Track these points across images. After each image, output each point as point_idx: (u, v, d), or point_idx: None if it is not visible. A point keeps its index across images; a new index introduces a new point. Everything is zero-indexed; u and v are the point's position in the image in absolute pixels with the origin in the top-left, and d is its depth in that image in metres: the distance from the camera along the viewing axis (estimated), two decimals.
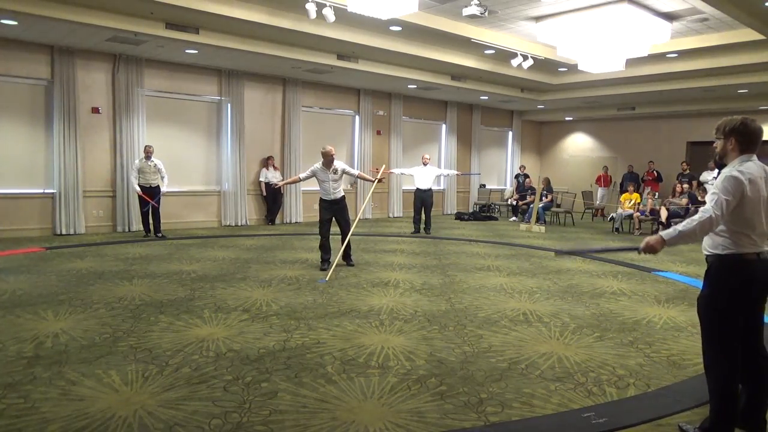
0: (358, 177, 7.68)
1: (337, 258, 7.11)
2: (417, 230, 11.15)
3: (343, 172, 7.16)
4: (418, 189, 11.02)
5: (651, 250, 2.70)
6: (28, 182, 9.27)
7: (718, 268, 2.71)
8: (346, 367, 3.71)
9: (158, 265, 7.09)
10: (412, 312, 5.14)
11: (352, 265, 7.31)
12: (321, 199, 7.23)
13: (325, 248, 7.16)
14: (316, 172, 7.16)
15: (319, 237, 7.21)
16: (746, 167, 2.68)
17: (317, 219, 7.45)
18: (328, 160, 7.04)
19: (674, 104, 14.32)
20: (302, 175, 7.44)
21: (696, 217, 2.62)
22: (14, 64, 9.13)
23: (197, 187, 11.32)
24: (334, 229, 7.30)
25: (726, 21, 8.34)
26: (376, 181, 7.57)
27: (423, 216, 11.11)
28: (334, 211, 7.17)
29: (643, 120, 16.21)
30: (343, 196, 7.28)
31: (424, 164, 11.14)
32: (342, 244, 7.17)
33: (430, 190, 10.99)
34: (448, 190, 15.83)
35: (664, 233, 2.66)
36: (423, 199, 11.00)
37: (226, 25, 8.52)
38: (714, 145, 2.86)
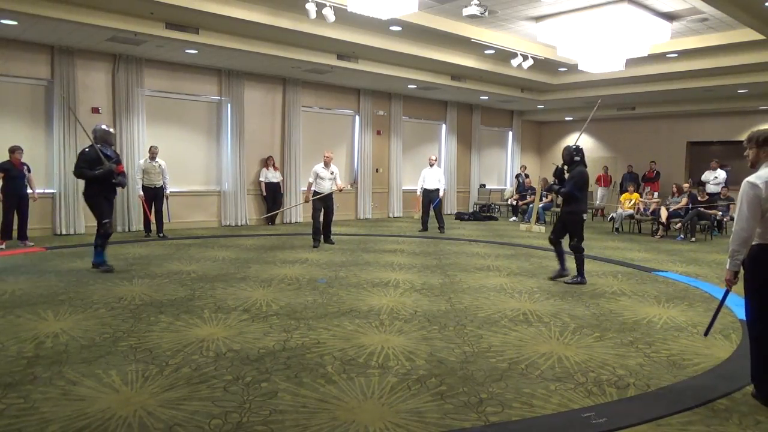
0: (337, 185, 9.11)
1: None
2: (425, 228, 11.34)
3: (334, 174, 9.02)
4: (425, 189, 11.23)
5: (731, 282, 3.30)
6: None
7: (751, 256, 3.19)
8: (346, 367, 3.71)
9: (158, 265, 7.09)
10: (412, 312, 5.14)
11: (333, 243, 9.15)
12: (315, 193, 8.90)
13: (317, 231, 8.99)
14: (318, 172, 8.90)
15: (313, 222, 8.95)
16: (765, 172, 3.15)
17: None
18: (327, 162, 8.97)
19: (674, 104, 14.33)
20: (311, 180, 9.01)
21: (734, 236, 3.16)
22: (14, 64, 9.13)
23: (197, 187, 11.32)
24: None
25: (726, 21, 8.34)
26: (338, 189, 9.14)
27: (433, 214, 11.29)
28: (326, 202, 8.92)
29: (643, 120, 16.22)
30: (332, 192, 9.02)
31: (431, 165, 11.31)
32: (324, 227, 9.10)
33: (437, 190, 11.15)
34: (449, 190, 15.82)
35: (728, 266, 3.24)
36: (431, 199, 11.21)
37: (226, 25, 8.52)
38: (745, 153, 3.34)
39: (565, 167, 6.66)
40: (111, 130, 6.85)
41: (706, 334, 3.85)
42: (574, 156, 6.53)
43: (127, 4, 7.62)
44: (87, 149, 6.61)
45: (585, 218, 6.55)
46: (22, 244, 8.34)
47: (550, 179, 14.47)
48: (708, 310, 5.45)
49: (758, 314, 3.22)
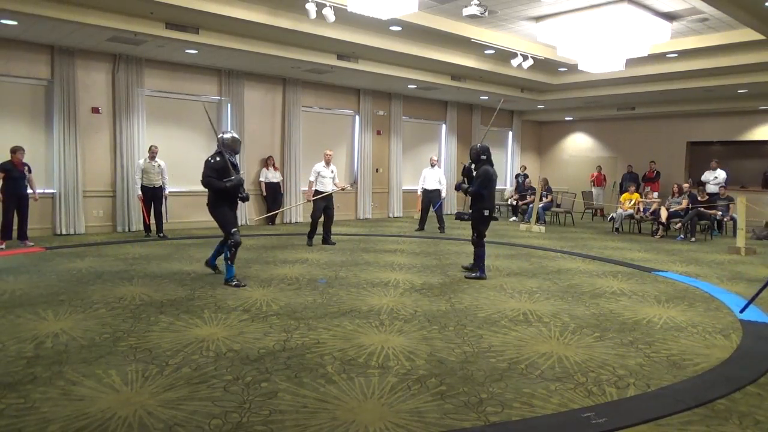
0: (337, 184, 9.29)
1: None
2: (421, 228, 11.40)
3: (334, 173, 9.20)
4: (425, 189, 11.28)
5: None
6: None
7: None
8: (346, 367, 3.71)
9: (158, 265, 7.09)
10: (412, 312, 5.14)
11: (333, 243, 9.11)
12: (317, 192, 8.94)
13: (315, 231, 9.07)
14: (320, 171, 8.99)
15: (313, 221, 9.00)
16: None
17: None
18: (328, 160, 9.09)
19: (674, 104, 14.32)
20: (312, 179, 9.06)
21: None
22: (14, 64, 9.12)
23: (197, 187, 11.18)
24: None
25: (726, 21, 8.34)
26: (340, 189, 9.35)
27: (433, 215, 11.35)
28: (327, 201, 8.97)
29: (643, 120, 16.21)
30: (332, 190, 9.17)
31: (432, 165, 11.36)
32: (325, 229, 9.12)
33: (436, 190, 11.20)
34: (449, 190, 15.78)
35: None
36: (429, 199, 11.25)
37: (226, 25, 8.52)
38: None
39: (473, 166, 6.76)
40: (237, 137, 6.39)
41: (742, 311, 4.65)
42: (481, 155, 6.67)
43: (127, 4, 7.61)
44: (213, 159, 6.12)
45: (487, 215, 6.60)
46: (22, 244, 8.34)
47: (528, 180, 14.74)
48: (708, 309, 5.45)
49: None
